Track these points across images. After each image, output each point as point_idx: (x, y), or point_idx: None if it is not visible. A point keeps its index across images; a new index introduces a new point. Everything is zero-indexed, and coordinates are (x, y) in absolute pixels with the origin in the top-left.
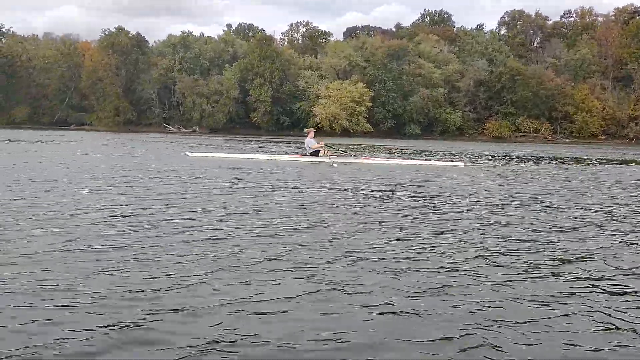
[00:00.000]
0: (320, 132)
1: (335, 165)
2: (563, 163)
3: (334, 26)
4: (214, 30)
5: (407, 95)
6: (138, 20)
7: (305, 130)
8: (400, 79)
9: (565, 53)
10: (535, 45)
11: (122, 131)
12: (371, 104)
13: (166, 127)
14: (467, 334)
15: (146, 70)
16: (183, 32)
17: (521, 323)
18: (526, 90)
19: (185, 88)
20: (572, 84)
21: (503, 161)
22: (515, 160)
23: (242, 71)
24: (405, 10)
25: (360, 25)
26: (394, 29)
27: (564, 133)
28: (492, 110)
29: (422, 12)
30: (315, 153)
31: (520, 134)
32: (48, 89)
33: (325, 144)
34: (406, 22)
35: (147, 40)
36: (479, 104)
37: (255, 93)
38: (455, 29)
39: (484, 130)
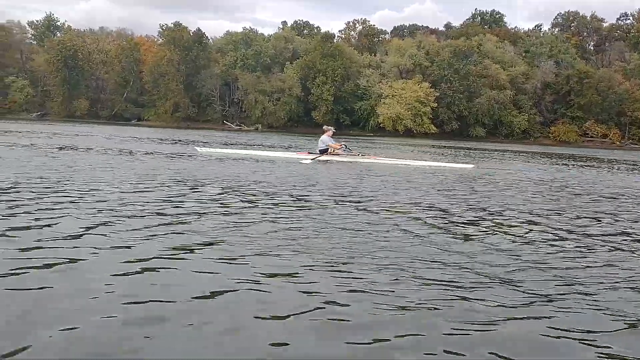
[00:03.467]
0: (382, 132)
1: (308, 162)
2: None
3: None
4: (245, 26)
5: (472, 96)
6: (166, 15)
7: (324, 127)
8: (466, 79)
9: (635, 56)
10: (590, 47)
11: (182, 127)
12: (436, 104)
13: (226, 124)
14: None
15: (206, 66)
16: (245, 29)
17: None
18: (595, 94)
19: (248, 85)
20: None
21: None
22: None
23: (303, 69)
24: (437, 8)
25: (407, 24)
26: (442, 29)
27: (633, 139)
28: (557, 114)
29: (473, 11)
30: (325, 150)
31: (587, 138)
32: (107, 84)
33: (345, 146)
34: (439, 20)
35: (207, 37)
36: (545, 106)
37: (317, 91)
38: (513, 29)
39: (549, 134)
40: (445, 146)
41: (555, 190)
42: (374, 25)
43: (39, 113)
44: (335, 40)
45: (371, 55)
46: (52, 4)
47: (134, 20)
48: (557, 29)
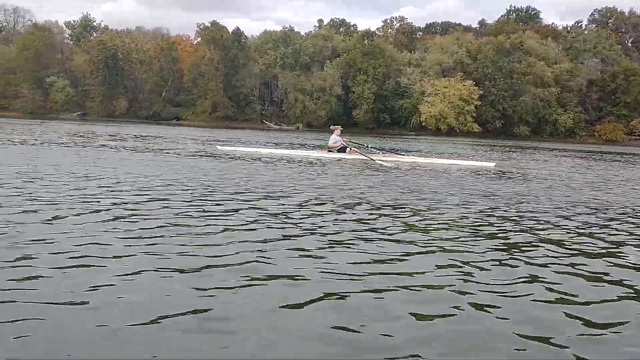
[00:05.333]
0: (424, 131)
1: (386, 164)
2: None
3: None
4: (268, 26)
5: (516, 94)
6: (187, 14)
7: (331, 127)
8: (510, 77)
9: None
10: (628, 44)
11: (221, 127)
12: (479, 102)
13: (265, 123)
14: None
15: (245, 65)
16: (284, 27)
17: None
18: None
19: (288, 84)
20: None
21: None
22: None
23: (343, 67)
24: (460, 4)
25: (440, 22)
26: (476, 26)
27: None
28: (603, 112)
29: (508, 8)
30: (342, 150)
31: (634, 137)
32: (146, 83)
33: (351, 142)
34: (463, 17)
35: (245, 36)
36: (590, 104)
37: (358, 90)
38: (550, 25)
39: (595, 133)
40: (485, 144)
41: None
42: (411, 22)
43: (79, 113)
44: (374, 38)
45: (410, 53)
46: (74, 6)
47: (156, 19)
48: (593, 25)
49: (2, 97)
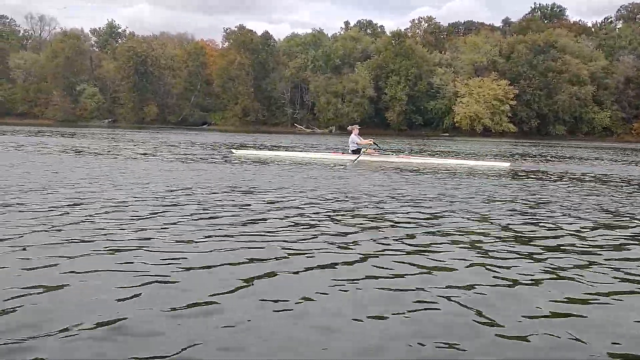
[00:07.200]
0: (457, 132)
1: (355, 163)
2: None
3: (405, 22)
4: (281, 28)
5: (551, 93)
6: (205, 17)
7: (349, 127)
8: (545, 76)
9: None
10: None
11: (252, 131)
12: (514, 102)
13: (297, 126)
14: None
15: (275, 69)
16: (313, 30)
17: None
18: None
19: (319, 87)
20: None
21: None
22: None
23: (375, 69)
24: (476, 4)
25: (463, 21)
26: (500, 25)
27: None
28: (639, 109)
29: (532, 5)
30: (357, 151)
31: None
32: (175, 88)
33: (373, 142)
34: (481, 17)
35: (274, 40)
36: (627, 102)
37: (390, 91)
38: (577, 22)
39: (632, 131)
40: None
41: None
42: (439, 22)
43: (110, 120)
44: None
45: (440, 53)
46: (73, 6)
47: (174, 23)
48: (621, 22)
49: (34, 105)
